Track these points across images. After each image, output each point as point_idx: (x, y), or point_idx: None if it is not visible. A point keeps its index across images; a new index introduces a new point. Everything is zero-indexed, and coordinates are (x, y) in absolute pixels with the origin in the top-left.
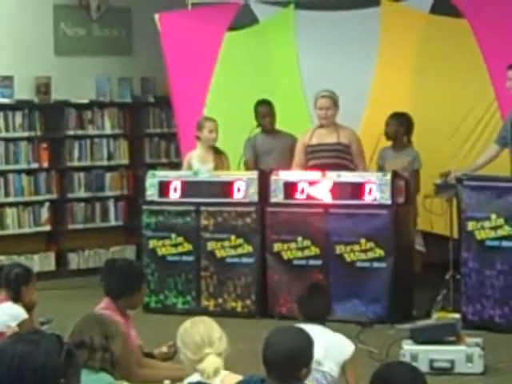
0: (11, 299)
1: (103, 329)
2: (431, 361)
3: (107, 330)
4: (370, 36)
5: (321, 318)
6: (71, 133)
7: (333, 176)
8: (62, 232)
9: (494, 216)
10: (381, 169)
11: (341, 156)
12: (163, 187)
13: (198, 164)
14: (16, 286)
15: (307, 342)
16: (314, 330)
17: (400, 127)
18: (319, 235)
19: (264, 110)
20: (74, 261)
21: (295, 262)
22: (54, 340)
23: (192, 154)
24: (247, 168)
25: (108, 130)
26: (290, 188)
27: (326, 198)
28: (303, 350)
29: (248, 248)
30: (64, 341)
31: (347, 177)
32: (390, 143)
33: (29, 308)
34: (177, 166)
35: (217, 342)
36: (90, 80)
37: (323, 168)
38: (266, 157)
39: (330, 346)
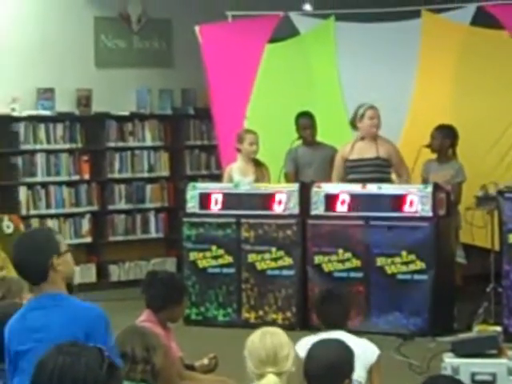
0: None
1: (145, 341)
2: (473, 374)
3: (149, 342)
4: (411, 48)
5: (341, 323)
6: (112, 145)
7: (373, 188)
8: (102, 244)
9: None
10: (425, 181)
11: (380, 170)
12: (204, 199)
13: (238, 176)
14: None
15: (348, 354)
16: (337, 336)
17: (445, 140)
18: (360, 247)
19: (305, 122)
20: (115, 272)
21: (336, 275)
22: (96, 352)
23: (233, 166)
24: (287, 180)
25: (149, 142)
26: (330, 200)
27: (367, 210)
28: (344, 361)
29: (289, 260)
30: (105, 353)
31: (388, 189)
32: (434, 156)
33: None
34: (217, 178)
35: (281, 361)
36: (130, 92)
37: (363, 182)
38: (306, 169)
39: (356, 351)
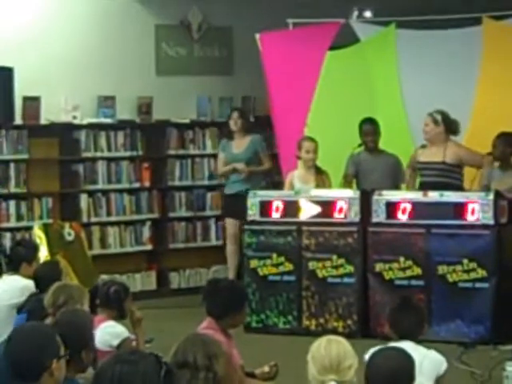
0: (113, 318)
1: (207, 349)
2: None
3: (211, 349)
4: (472, 55)
5: (414, 334)
6: (172, 152)
7: (435, 196)
8: (163, 251)
9: None
10: (487, 189)
11: (446, 175)
12: (265, 207)
13: (299, 183)
14: (118, 303)
15: (409, 362)
16: (407, 347)
17: (507, 148)
18: (421, 255)
19: (369, 129)
20: (175, 280)
21: (397, 283)
22: (153, 360)
23: (294, 174)
24: (346, 181)
25: (209, 150)
26: (392, 208)
27: (428, 218)
28: (405, 370)
29: (349, 268)
30: (163, 361)
31: (449, 196)
32: (497, 164)
33: (135, 324)
34: (277, 185)
35: (344, 370)
36: (191, 100)
37: (429, 186)
38: (368, 175)
39: (423, 361)
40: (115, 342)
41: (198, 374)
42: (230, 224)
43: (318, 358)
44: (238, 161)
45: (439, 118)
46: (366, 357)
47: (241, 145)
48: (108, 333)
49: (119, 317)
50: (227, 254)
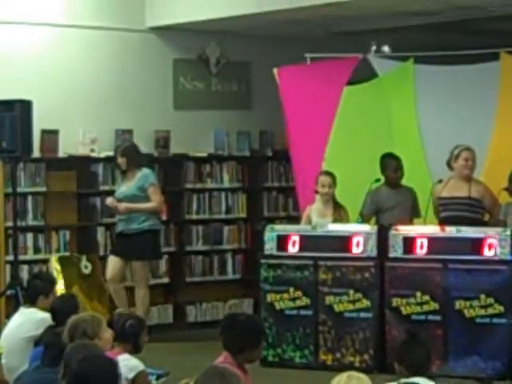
0: (128, 351)
1: (224, 383)
2: None
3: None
4: (490, 90)
5: (425, 368)
6: (190, 186)
7: (452, 231)
8: (180, 284)
9: None
10: (504, 224)
11: (472, 210)
12: (282, 241)
13: (316, 218)
14: (133, 337)
15: None
16: (420, 382)
17: None
18: (438, 290)
19: (394, 164)
20: (192, 313)
21: (414, 317)
22: None
23: (311, 208)
24: (364, 221)
25: (226, 184)
26: (409, 243)
27: (446, 253)
28: None
29: (366, 303)
30: None
31: (467, 232)
32: None
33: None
34: (295, 220)
35: None
36: (208, 134)
37: (453, 221)
38: (388, 211)
39: None
40: (130, 375)
41: None
42: (112, 262)
43: None
44: (122, 198)
45: (475, 153)
46: None
47: (129, 181)
48: (123, 366)
49: (134, 351)
50: (112, 295)
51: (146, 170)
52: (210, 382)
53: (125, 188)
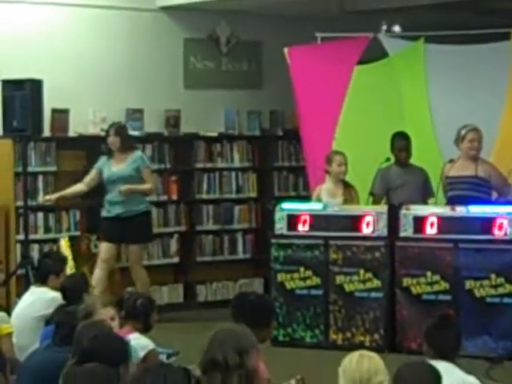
0: (138, 330)
1: (237, 345)
2: None
3: (241, 345)
4: (501, 70)
5: (451, 353)
6: (200, 165)
7: (463, 210)
8: (190, 264)
9: None
10: None
11: (477, 189)
12: (292, 221)
13: (326, 197)
14: (144, 316)
15: (435, 378)
16: (445, 368)
17: None
18: (449, 270)
19: (403, 144)
20: (202, 293)
21: (424, 297)
22: (181, 373)
23: (321, 188)
24: (374, 201)
25: (237, 163)
26: (419, 222)
27: (456, 232)
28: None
29: (377, 282)
30: (191, 374)
31: (477, 211)
32: None
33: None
34: (305, 199)
35: None
36: (218, 113)
37: (460, 200)
38: (398, 190)
39: None
40: (141, 354)
41: (231, 373)
42: (105, 248)
43: (349, 371)
44: (117, 179)
45: (481, 133)
46: None
47: (121, 161)
48: (134, 345)
49: (144, 330)
50: (93, 281)
51: (139, 152)
52: (221, 348)
53: (117, 169)
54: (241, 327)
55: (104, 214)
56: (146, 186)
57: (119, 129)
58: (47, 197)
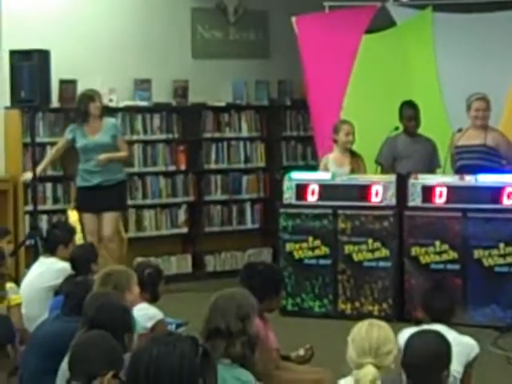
0: (146, 300)
1: (238, 312)
2: None
3: (242, 311)
4: (510, 38)
5: (446, 317)
6: (208, 135)
7: (471, 180)
8: (198, 234)
9: None
10: None
11: (486, 158)
12: (300, 190)
13: (334, 167)
14: (151, 286)
15: (446, 345)
16: (440, 330)
17: None
18: (457, 239)
19: (411, 113)
20: (211, 263)
21: (433, 267)
22: (190, 342)
23: (329, 157)
24: (383, 170)
25: (245, 133)
26: (428, 192)
27: (465, 202)
28: (442, 352)
29: (385, 252)
30: (199, 342)
31: (486, 180)
32: None
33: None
34: (313, 168)
35: (383, 355)
36: (226, 83)
37: (469, 169)
38: (405, 159)
39: (455, 346)
40: (149, 324)
41: (234, 340)
42: (89, 219)
43: (358, 340)
44: (98, 146)
45: (489, 102)
46: (400, 337)
47: (96, 129)
48: (142, 315)
49: (152, 300)
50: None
51: (112, 119)
52: (222, 315)
53: (93, 137)
54: (240, 291)
55: (82, 183)
56: (123, 154)
57: (100, 95)
58: (28, 175)
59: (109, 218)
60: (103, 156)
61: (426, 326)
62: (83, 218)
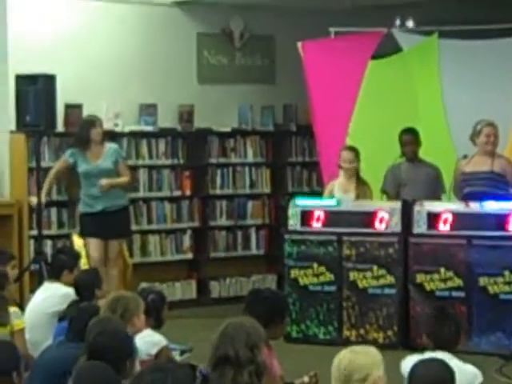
0: (150, 326)
1: (248, 340)
2: None
3: (251, 339)
4: None
5: (450, 344)
6: (214, 161)
7: (477, 206)
8: (203, 260)
9: None
10: None
11: (493, 184)
12: (306, 216)
13: (339, 193)
14: (155, 312)
15: (449, 373)
16: (442, 357)
17: None
18: (462, 266)
19: (408, 139)
20: (215, 289)
21: (438, 294)
22: (187, 370)
23: (334, 183)
24: (388, 198)
25: (250, 159)
26: (433, 218)
27: (470, 229)
28: (447, 380)
29: (390, 279)
30: (199, 369)
31: (491, 208)
32: None
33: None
34: (319, 195)
35: (355, 382)
36: (232, 108)
37: (476, 196)
38: (409, 186)
39: (457, 374)
40: (153, 351)
41: (242, 370)
42: (95, 246)
43: (333, 368)
44: (100, 171)
45: (497, 128)
46: (403, 364)
47: (98, 155)
48: (147, 342)
49: (156, 325)
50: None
51: (114, 144)
52: (231, 343)
53: (96, 162)
54: (249, 320)
55: (85, 209)
56: (125, 179)
57: (101, 121)
58: (34, 199)
59: (115, 245)
60: (105, 181)
61: (428, 353)
62: (87, 243)
